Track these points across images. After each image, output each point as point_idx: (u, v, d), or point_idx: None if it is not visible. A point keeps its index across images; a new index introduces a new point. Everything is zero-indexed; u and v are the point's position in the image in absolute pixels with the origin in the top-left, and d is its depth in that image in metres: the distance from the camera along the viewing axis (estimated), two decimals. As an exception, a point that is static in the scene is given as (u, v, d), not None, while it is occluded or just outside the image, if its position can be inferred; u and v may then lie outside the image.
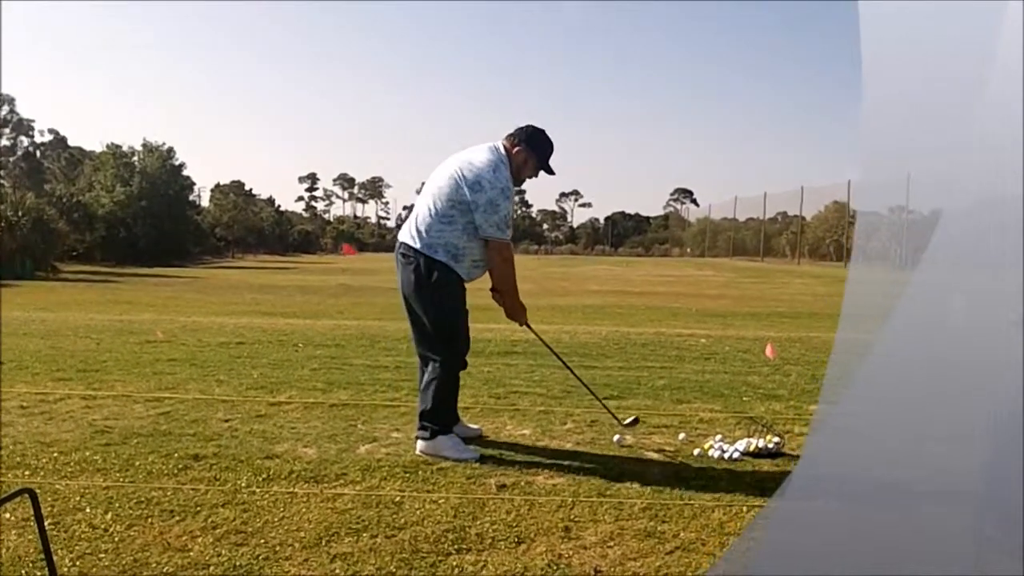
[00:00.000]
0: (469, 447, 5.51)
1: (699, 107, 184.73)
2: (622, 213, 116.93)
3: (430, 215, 5.44)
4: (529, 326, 5.93)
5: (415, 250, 5.44)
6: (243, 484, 4.78)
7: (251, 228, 74.23)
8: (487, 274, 5.65)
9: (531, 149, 5.60)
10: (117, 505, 4.39)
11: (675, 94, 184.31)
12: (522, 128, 5.64)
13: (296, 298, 23.25)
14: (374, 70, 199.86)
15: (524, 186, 5.79)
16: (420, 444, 5.46)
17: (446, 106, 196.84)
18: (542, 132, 5.67)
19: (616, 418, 5.93)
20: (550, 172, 5.77)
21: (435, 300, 5.45)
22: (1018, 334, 3.61)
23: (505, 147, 5.58)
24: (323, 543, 3.98)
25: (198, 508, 4.38)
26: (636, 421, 5.89)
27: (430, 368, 5.57)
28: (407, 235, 5.54)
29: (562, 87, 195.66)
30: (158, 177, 52.07)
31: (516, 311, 5.77)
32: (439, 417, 5.46)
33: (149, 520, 4.20)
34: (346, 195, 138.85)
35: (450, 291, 5.47)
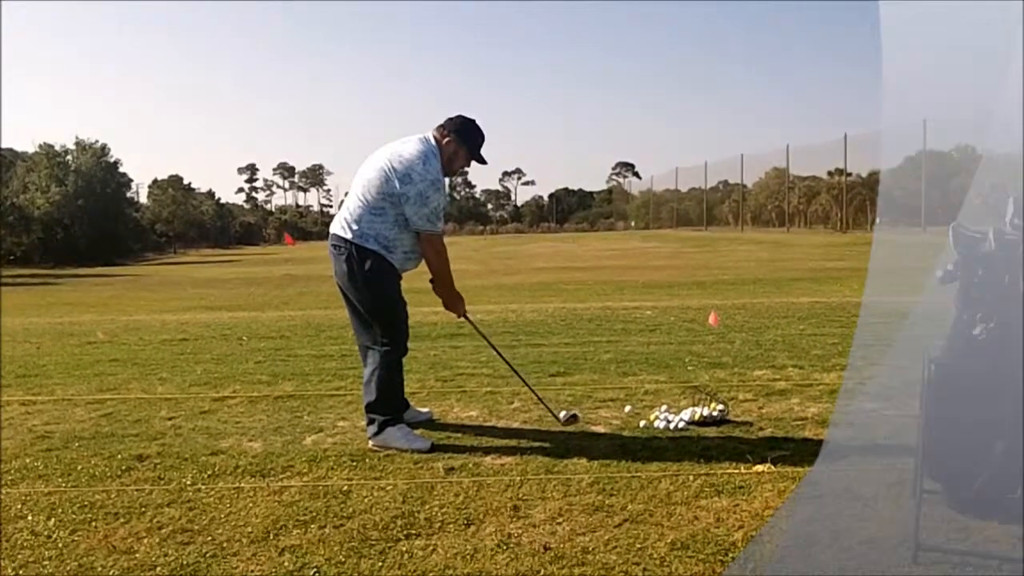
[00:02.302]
0: (420, 436, 5.45)
1: (637, 79, 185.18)
2: (566, 189, 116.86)
3: (361, 206, 5.40)
4: (468, 318, 5.88)
5: (347, 241, 5.40)
6: (188, 482, 4.73)
7: (192, 222, 73.25)
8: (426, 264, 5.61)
9: (461, 140, 5.50)
10: (60, 511, 4.32)
11: (612, 67, 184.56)
12: (452, 118, 5.54)
13: (241, 291, 23.05)
14: (309, 56, 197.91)
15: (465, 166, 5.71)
16: (371, 439, 5.40)
17: (384, 89, 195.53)
18: (472, 122, 5.57)
19: (554, 414, 5.88)
20: (482, 162, 5.66)
21: (371, 289, 5.41)
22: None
23: (435, 137, 5.48)
24: (271, 537, 3.95)
25: (143, 509, 4.33)
26: (575, 418, 5.83)
27: (371, 358, 5.53)
28: (338, 227, 5.51)
29: (500, 66, 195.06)
30: (93, 175, 51.19)
31: (453, 302, 5.72)
32: (386, 408, 5.40)
33: (93, 524, 4.14)
34: (287, 184, 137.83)
35: (385, 279, 5.43)
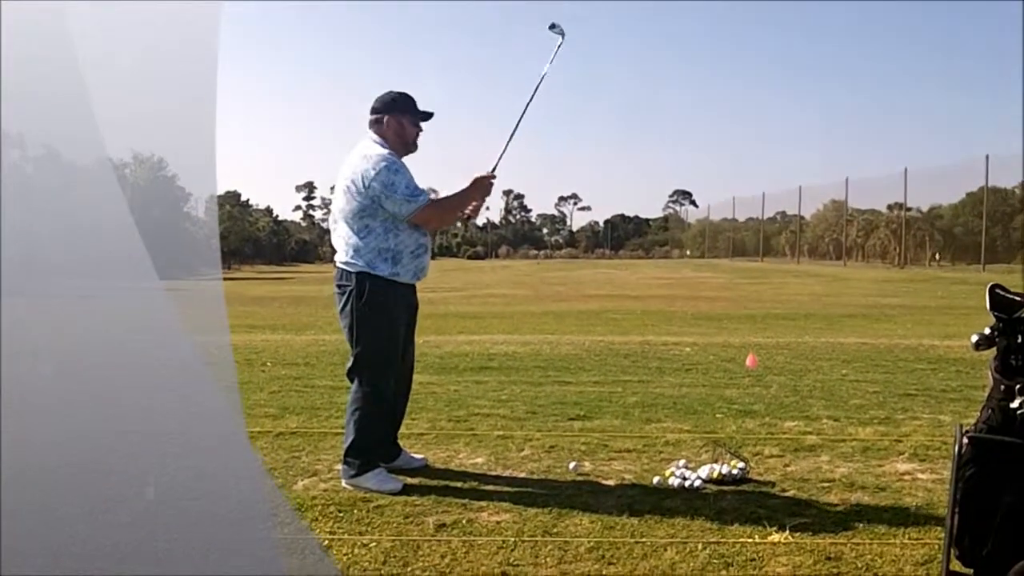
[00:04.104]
0: (392, 477, 5.25)
1: (696, 107, 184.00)
2: (621, 216, 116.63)
3: (350, 235, 5.27)
4: (490, 176, 5.56)
5: (352, 273, 5.24)
6: (160, 530, 4.44)
7: (248, 238, 73.94)
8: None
9: (397, 113, 5.39)
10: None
11: (671, 96, 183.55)
12: (374, 106, 5.43)
13: (287, 310, 23.00)
14: (367, 74, 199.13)
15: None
16: (344, 480, 5.25)
17: (441, 108, 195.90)
18: (394, 92, 5.46)
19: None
20: (427, 116, 5.51)
21: (366, 322, 5.23)
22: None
23: (374, 131, 5.39)
24: (233, 598, 3.66)
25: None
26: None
27: (352, 396, 5.38)
28: (341, 260, 5.36)
29: (559, 90, 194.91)
30: (149, 190, 51.70)
31: (479, 193, 5.59)
32: (362, 453, 5.22)
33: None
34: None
35: (384, 314, 5.26)
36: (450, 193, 5.58)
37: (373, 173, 5.12)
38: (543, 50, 5.74)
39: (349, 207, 5.23)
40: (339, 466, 5.42)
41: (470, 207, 5.62)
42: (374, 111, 5.39)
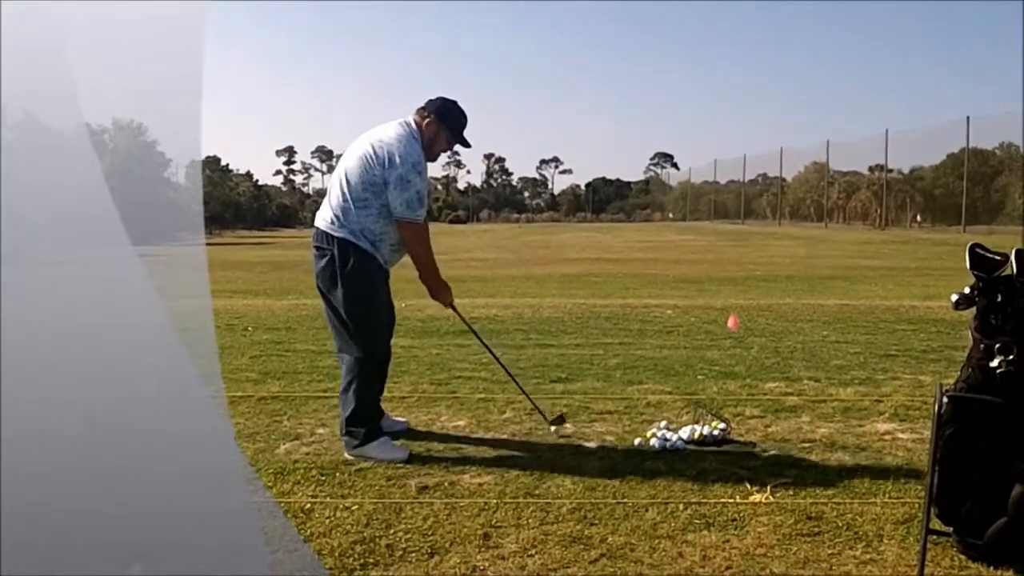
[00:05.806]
0: (398, 447, 5.17)
1: (676, 70, 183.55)
2: (603, 179, 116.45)
3: (345, 199, 5.15)
4: (455, 308, 5.65)
5: (332, 238, 5.14)
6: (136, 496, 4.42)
7: (228, 204, 73.52)
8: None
9: (442, 121, 5.30)
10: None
11: (652, 59, 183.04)
12: (432, 100, 5.34)
13: (268, 275, 22.86)
14: (347, 37, 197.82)
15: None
16: (348, 451, 5.14)
17: (422, 72, 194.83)
18: (454, 103, 5.38)
19: (543, 415, 5.64)
20: (466, 144, 5.50)
21: (353, 291, 5.13)
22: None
23: (416, 121, 5.28)
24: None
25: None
26: (562, 419, 5.62)
27: (346, 366, 5.23)
28: (323, 222, 5.23)
29: (540, 54, 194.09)
30: (129, 155, 51.31)
31: (439, 291, 5.50)
32: (364, 421, 5.13)
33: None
34: (325, 167, 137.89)
35: (370, 281, 5.18)
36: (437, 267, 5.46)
37: (400, 161, 5.04)
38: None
39: (358, 172, 5.12)
40: (320, 430, 5.43)
41: (429, 283, 5.47)
42: (428, 104, 5.31)
